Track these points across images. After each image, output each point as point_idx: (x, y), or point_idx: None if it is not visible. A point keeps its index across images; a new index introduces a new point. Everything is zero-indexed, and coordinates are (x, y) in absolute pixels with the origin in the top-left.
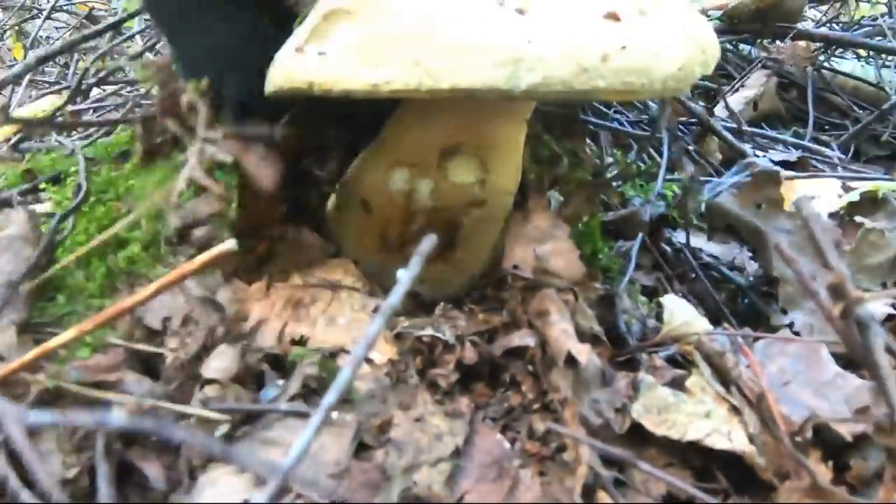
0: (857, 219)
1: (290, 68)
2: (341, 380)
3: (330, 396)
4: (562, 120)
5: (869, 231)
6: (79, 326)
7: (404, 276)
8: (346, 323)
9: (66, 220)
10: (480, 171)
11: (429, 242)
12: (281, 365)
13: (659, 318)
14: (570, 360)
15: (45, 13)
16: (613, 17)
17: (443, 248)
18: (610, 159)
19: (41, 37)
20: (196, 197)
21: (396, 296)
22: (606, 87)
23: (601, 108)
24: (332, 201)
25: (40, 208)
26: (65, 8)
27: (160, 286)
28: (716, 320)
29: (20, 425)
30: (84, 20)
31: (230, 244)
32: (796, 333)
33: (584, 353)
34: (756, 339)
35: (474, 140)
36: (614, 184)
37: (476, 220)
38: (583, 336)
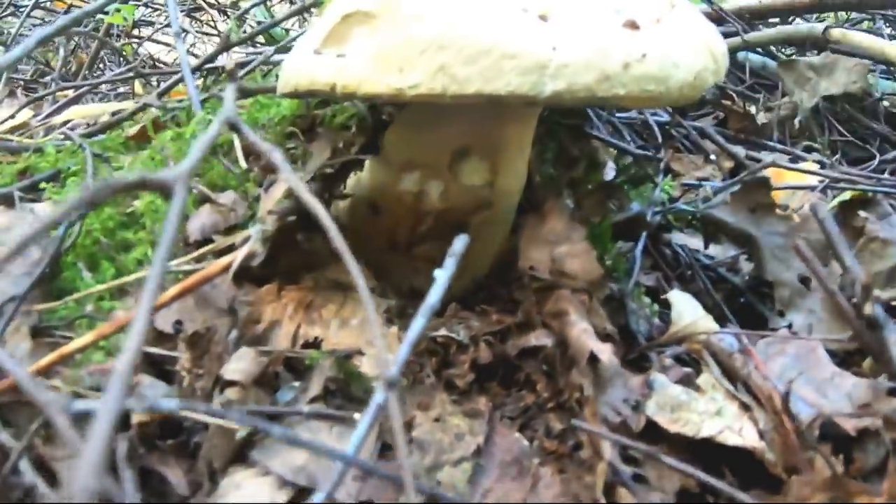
0: (861, 213)
1: (309, 70)
2: (390, 378)
3: (379, 395)
4: (571, 124)
5: (872, 240)
6: (97, 331)
7: (441, 276)
8: (359, 324)
9: (75, 225)
10: (490, 174)
11: (461, 242)
12: (295, 367)
13: (662, 317)
14: (591, 359)
15: (26, 11)
16: (632, 25)
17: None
18: (612, 163)
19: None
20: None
21: (436, 295)
22: (626, 94)
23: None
24: (339, 202)
25: (38, 207)
26: (42, 4)
27: (183, 289)
28: (716, 319)
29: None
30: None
31: (255, 246)
32: (794, 335)
33: (606, 353)
34: (762, 337)
35: (485, 141)
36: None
37: (483, 222)
38: (599, 336)
